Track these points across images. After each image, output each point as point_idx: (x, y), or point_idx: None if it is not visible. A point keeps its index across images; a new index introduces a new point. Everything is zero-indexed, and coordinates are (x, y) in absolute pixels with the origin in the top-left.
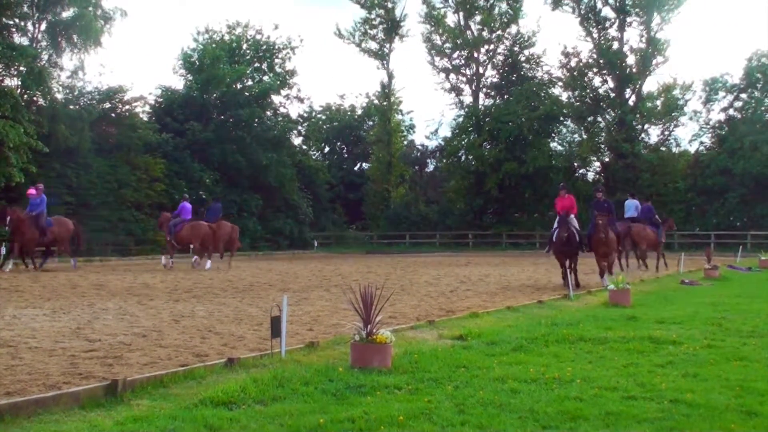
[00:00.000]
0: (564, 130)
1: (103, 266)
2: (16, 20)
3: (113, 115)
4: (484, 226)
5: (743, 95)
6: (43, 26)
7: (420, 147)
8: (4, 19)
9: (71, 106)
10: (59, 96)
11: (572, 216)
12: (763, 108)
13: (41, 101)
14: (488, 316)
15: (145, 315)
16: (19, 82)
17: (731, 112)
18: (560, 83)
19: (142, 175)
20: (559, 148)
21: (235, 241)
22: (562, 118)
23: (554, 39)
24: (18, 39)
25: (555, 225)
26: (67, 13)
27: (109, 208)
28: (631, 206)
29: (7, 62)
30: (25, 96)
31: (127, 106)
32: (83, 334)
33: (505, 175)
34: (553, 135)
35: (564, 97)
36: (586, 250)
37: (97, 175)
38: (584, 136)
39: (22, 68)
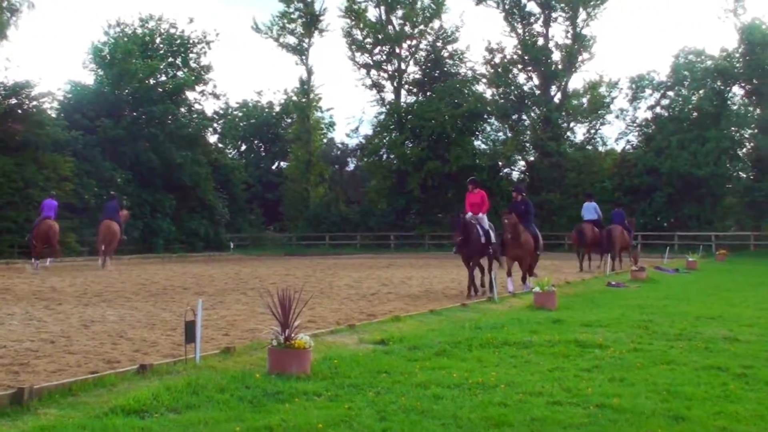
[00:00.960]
0: (488, 128)
1: (9, 269)
2: None
3: (19, 111)
4: (406, 227)
5: (670, 93)
6: None
7: (340, 145)
8: None
9: None
10: None
11: (481, 215)
12: (690, 106)
13: None
14: (410, 319)
15: (53, 320)
16: None
17: (658, 110)
18: (484, 80)
19: (51, 174)
20: (483, 146)
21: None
22: (486, 116)
23: (478, 34)
24: None
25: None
26: None
27: (15, 209)
28: (590, 208)
29: None
30: None
31: (34, 102)
32: None
33: (428, 175)
34: (477, 133)
35: (488, 94)
36: (498, 252)
37: (2, 174)
38: (509, 135)
39: None
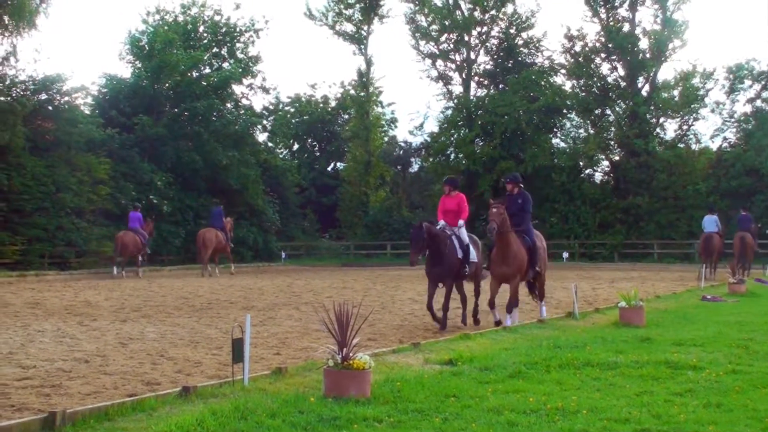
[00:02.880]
0: (568, 125)
1: (39, 281)
2: None
3: (50, 107)
4: (476, 235)
5: None
6: None
7: (403, 144)
8: None
9: (1, 98)
10: None
11: (461, 223)
12: None
13: None
14: (481, 337)
15: (88, 337)
16: None
17: (759, 103)
18: (563, 71)
19: (84, 177)
20: (562, 144)
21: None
22: (565, 111)
23: (556, 20)
24: None
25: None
26: None
27: (45, 215)
28: (711, 221)
29: None
30: None
31: (66, 98)
32: (16, 359)
33: (501, 176)
34: (555, 130)
35: (567, 86)
36: (469, 272)
37: (31, 177)
38: (591, 131)
39: None
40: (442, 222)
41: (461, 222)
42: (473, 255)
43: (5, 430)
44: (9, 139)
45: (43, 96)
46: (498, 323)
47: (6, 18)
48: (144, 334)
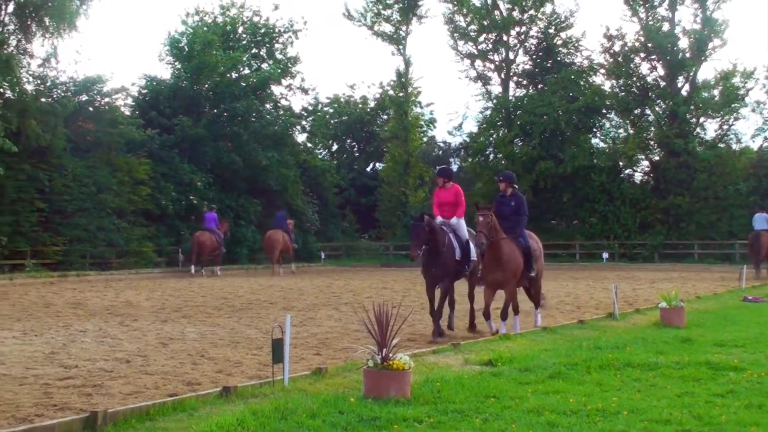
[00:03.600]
0: (607, 125)
1: (81, 282)
2: None
3: (91, 108)
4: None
5: None
6: (10, 8)
7: (442, 144)
8: None
9: (43, 99)
10: (29, 87)
11: (456, 220)
12: None
13: (9, 94)
14: (521, 338)
15: (129, 338)
16: None
17: None
18: (602, 70)
19: (125, 178)
20: (602, 144)
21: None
22: (604, 111)
23: (595, 20)
24: None
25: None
26: None
27: (86, 216)
28: (762, 219)
29: None
30: None
31: (106, 99)
32: (58, 359)
33: (540, 176)
34: (594, 130)
35: (607, 86)
36: (468, 272)
37: (72, 178)
38: (630, 131)
39: None
40: (440, 218)
41: (455, 219)
42: (473, 253)
43: (48, 429)
44: (50, 140)
45: (84, 97)
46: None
47: (47, 19)
48: (184, 335)
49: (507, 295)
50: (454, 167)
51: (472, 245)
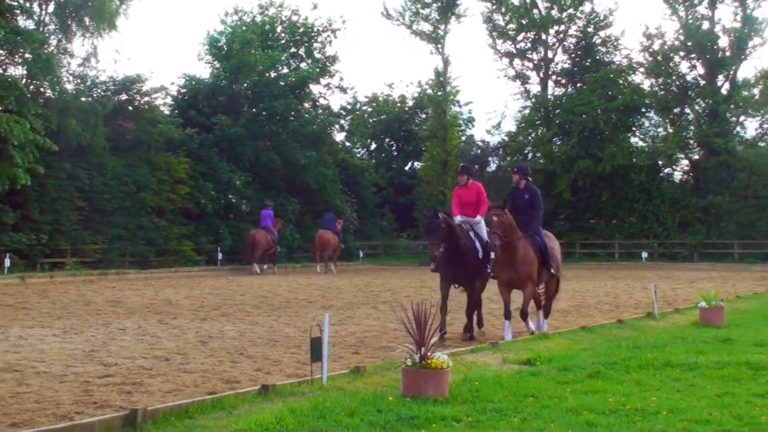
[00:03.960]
0: (646, 123)
1: (120, 280)
2: (21, 1)
3: (130, 108)
4: (554, 234)
5: None
6: (51, 7)
7: (480, 143)
8: (6, 0)
9: (83, 98)
10: (69, 87)
11: (478, 219)
12: None
13: (49, 93)
14: (560, 337)
15: (168, 336)
16: (25, 71)
17: None
18: (641, 69)
19: (164, 177)
20: (641, 143)
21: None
22: (643, 110)
23: (634, 18)
24: (23, 22)
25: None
26: None
27: (126, 214)
28: None
29: (10, 49)
30: (31, 87)
31: (146, 98)
32: (98, 357)
33: (579, 175)
34: (633, 129)
35: (646, 85)
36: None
37: (112, 177)
38: (670, 130)
39: (27, 55)
40: (459, 218)
41: (479, 217)
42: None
43: (88, 426)
44: (90, 139)
45: (124, 96)
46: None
47: (87, 19)
48: (223, 333)
49: (526, 296)
50: (493, 166)
51: (482, 247)
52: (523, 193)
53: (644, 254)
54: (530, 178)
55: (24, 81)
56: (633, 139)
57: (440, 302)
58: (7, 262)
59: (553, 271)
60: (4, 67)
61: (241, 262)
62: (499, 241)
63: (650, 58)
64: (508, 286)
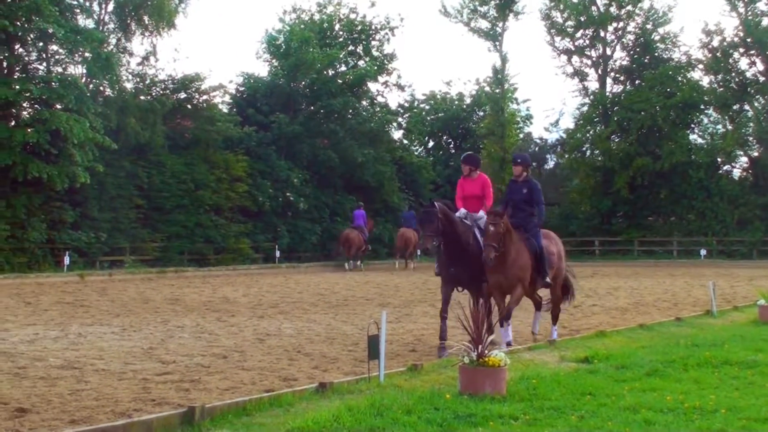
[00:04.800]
0: (705, 120)
1: (178, 278)
2: (81, 0)
3: (189, 106)
4: (612, 232)
5: None
6: (111, 6)
7: (538, 140)
8: (67, 0)
9: (142, 97)
10: (128, 85)
11: (482, 213)
12: None
13: (108, 91)
14: (618, 335)
15: (226, 333)
16: (84, 70)
17: None
18: (700, 66)
19: (222, 175)
20: (700, 140)
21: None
22: (702, 107)
23: (693, 15)
24: (83, 21)
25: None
26: None
27: (185, 212)
28: None
29: (70, 47)
30: (91, 86)
31: (204, 97)
32: (156, 354)
33: (637, 172)
34: (692, 126)
35: (705, 81)
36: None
37: (171, 175)
38: (729, 127)
39: (87, 54)
40: (463, 211)
41: (482, 212)
42: None
43: (146, 423)
44: (149, 138)
45: (182, 95)
46: (509, 344)
47: (146, 18)
48: (281, 330)
49: (512, 298)
50: (551, 163)
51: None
52: (521, 187)
53: (703, 252)
54: (530, 169)
55: (84, 80)
56: (692, 136)
57: (441, 306)
58: (67, 260)
59: (548, 279)
60: (64, 66)
61: (300, 260)
62: (494, 253)
63: (709, 55)
64: (499, 290)
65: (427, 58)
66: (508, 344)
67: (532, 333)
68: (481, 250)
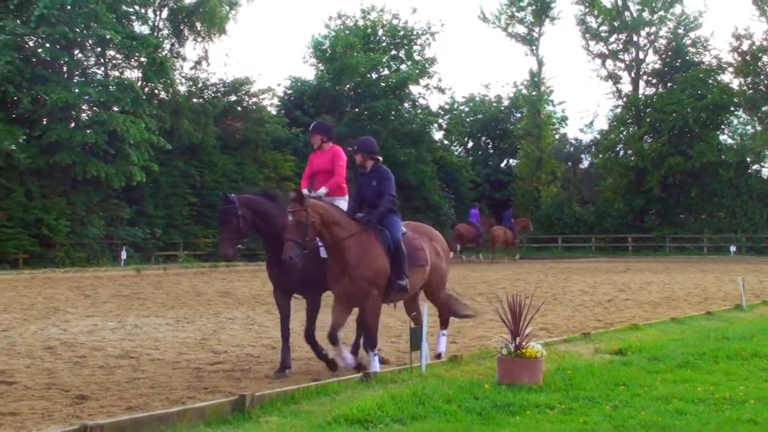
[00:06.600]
0: (735, 122)
1: (230, 272)
2: (136, 7)
3: (239, 108)
4: (645, 229)
5: None
6: (165, 13)
7: (573, 141)
8: (123, 7)
9: (194, 99)
10: (182, 88)
11: (322, 191)
12: None
13: (163, 94)
14: (650, 328)
15: (275, 325)
16: (140, 74)
17: None
18: (730, 69)
19: (271, 174)
20: (730, 141)
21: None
22: (732, 108)
23: (723, 20)
24: (138, 28)
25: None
26: None
27: None
28: None
29: (127, 53)
30: (146, 89)
31: (253, 99)
32: (208, 345)
33: (669, 172)
34: (722, 127)
35: (735, 84)
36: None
37: (222, 174)
38: (758, 128)
39: (142, 59)
40: (323, 190)
41: (323, 190)
42: None
43: (199, 411)
44: (202, 138)
45: (233, 97)
46: (358, 367)
47: (198, 24)
48: (327, 323)
49: (367, 317)
50: (586, 163)
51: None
52: (371, 178)
53: (732, 248)
54: (380, 158)
55: (139, 83)
56: (722, 137)
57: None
58: (124, 255)
59: (403, 282)
60: (121, 70)
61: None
62: (297, 251)
63: (739, 58)
64: (346, 301)
65: (467, 62)
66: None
67: (437, 355)
68: (314, 246)
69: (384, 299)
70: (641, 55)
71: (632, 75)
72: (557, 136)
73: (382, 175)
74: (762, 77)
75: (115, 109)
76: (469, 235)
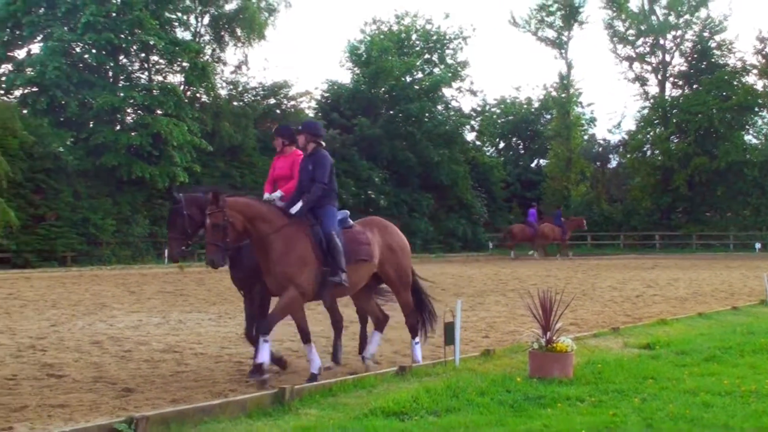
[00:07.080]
0: (759, 122)
1: None
2: (179, 14)
3: (278, 111)
4: (672, 227)
5: None
6: (206, 20)
7: (602, 141)
8: (166, 14)
9: (235, 103)
10: (223, 92)
11: (278, 194)
12: None
13: (204, 98)
14: (678, 323)
15: (312, 320)
16: (182, 79)
17: None
18: (755, 71)
19: None
20: (754, 141)
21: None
22: (757, 109)
23: (748, 23)
24: (180, 34)
25: None
26: (230, 6)
27: None
28: None
29: (169, 58)
30: (188, 93)
31: (292, 102)
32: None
33: (695, 171)
34: (747, 127)
35: (759, 85)
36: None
37: (261, 175)
38: None
39: (185, 64)
40: (277, 193)
41: (278, 193)
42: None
43: (241, 403)
44: (242, 140)
45: (272, 101)
46: (258, 368)
47: (238, 30)
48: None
49: (279, 305)
50: (614, 163)
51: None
52: (307, 162)
53: (758, 245)
54: (323, 142)
55: (182, 87)
56: (747, 137)
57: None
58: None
59: (337, 278)
60: (164, 74)
61: (500, 248)
62: (219, 254)
63: (763, 60)
64: (273, 293)
65: (498, 65)
66: (260, 369)
67: (362, 358)
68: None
69: (314, 296)
70: (667, 58)
71: (659, 77)
72: (586, 137)
73: (318, 160)
74: None
75: (159, 112)
76: (523, 235)
